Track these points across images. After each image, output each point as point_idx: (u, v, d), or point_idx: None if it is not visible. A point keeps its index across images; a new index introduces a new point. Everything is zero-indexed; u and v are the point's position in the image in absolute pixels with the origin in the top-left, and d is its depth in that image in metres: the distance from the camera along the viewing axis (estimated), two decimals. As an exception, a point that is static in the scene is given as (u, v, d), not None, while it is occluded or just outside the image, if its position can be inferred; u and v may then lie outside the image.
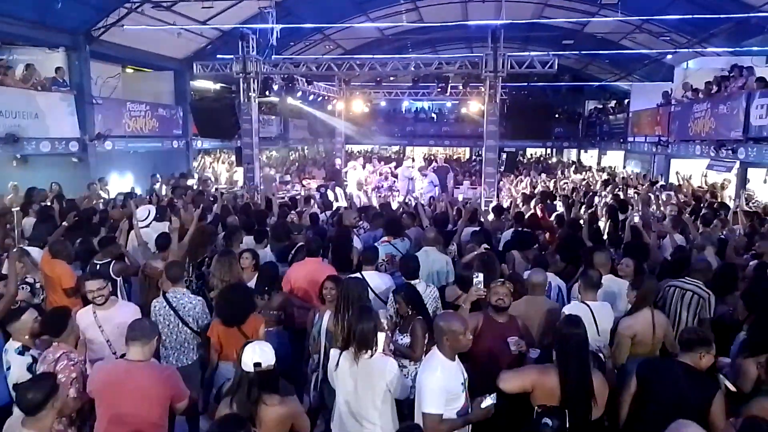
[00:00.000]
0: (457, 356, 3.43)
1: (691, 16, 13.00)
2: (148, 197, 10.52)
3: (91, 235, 6.55)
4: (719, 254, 6.17)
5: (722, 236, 7.06)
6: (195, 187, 12.97)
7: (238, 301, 4.38)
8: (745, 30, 13.37)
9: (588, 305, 4.46)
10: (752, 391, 3.60)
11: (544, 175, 17.47)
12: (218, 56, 14.72)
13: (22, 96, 11.35)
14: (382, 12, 18.84)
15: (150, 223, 7.34)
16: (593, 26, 18.39)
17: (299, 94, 14.52)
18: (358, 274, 5.15)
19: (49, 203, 8.95)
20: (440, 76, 12.52)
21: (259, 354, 3.09)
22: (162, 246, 6.10)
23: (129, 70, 17.86)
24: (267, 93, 13.00)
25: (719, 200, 10.59)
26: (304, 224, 7.87)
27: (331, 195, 13.04)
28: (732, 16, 12.43)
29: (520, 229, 7.04)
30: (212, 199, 10.45)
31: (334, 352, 3.73)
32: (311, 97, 16.25)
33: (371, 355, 3.54)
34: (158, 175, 13.90)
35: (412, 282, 4.90)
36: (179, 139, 17.14)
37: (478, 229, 7.18)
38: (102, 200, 10.56)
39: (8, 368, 3.75)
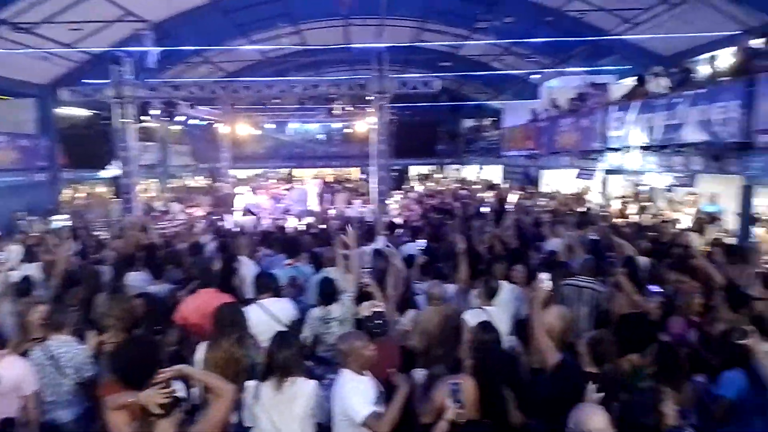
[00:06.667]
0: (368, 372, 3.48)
1: (552, 39, 14.35)
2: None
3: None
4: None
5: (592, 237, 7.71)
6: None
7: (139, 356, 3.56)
8: (598, 51, 15.04)
9: (486, 310, 4.76)
10: None
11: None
12: (87, 81, 13.71)
13: None
14: (264, 35, 18.72)
15: (12, 266, 6.57)
16: (467, 49, 19.62)
17: (183, 118, 13.86)
18: (254, 305, 4.85)
19: None
20: (328, 97, 12.57)
21: None
22: (23, 292, 5.33)
23: (-20, 98, 16.09)
24: (147, 118, 12.26)
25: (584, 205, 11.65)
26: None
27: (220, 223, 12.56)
28: (587, 39, 13.88)
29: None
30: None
31: (250, 384, 3.53)
32: (194, 122, 15.58)
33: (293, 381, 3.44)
34: (19, 213, 12.62)
35: (330, 306, 4.92)
36: (44, 171, 15.68)
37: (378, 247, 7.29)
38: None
39: None
